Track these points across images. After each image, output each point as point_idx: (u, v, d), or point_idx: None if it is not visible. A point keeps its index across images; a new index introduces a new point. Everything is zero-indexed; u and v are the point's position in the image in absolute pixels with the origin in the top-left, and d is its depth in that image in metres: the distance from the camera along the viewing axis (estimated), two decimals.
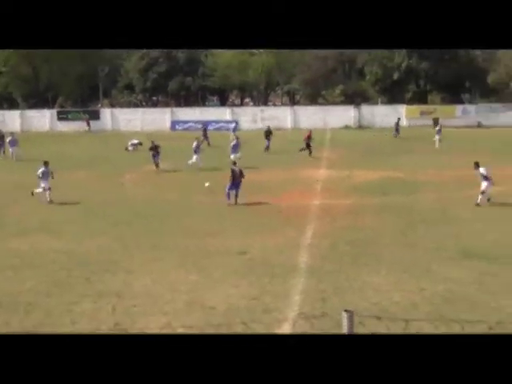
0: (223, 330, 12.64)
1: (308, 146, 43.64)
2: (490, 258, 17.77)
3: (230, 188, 26.18)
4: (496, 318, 12.89)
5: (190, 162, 37.23)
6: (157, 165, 36.57)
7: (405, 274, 16.62)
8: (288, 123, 66.76)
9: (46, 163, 27.58)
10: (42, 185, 27.25)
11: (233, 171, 26.40)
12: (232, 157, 36.41)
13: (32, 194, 27.48)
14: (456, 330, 12.19)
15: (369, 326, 7.39)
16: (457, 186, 29.89)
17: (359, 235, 20.83)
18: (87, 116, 68.80)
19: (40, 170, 27.35)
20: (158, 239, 20.76)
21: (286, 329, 12.96)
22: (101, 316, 13.97)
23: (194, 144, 38.07)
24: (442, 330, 12.22)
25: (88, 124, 66.77)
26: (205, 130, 53.43)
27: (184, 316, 13.88)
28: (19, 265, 17.99)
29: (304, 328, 12.52)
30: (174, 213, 25.17)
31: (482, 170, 24.87)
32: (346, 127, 64.88)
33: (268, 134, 46.90)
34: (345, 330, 4.52)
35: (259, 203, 26.44)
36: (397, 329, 11.34)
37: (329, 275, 16.55)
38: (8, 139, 43.66)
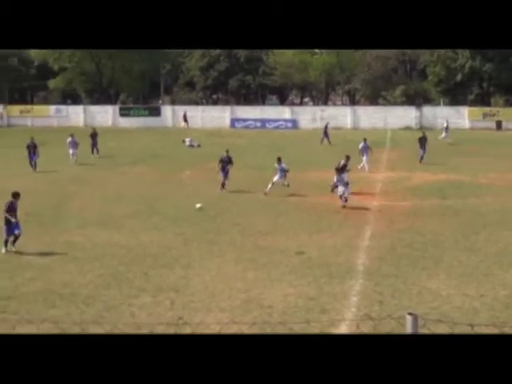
0: (280, 330, 12.63)
1: None
2: None
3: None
4: None
5: (359, 166, 35.69)
6: (223, 185, 29.34)
7: (465, 278, 16.34)
8: (348, 123, 66.33)
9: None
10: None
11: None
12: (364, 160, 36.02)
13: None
14: None
15: (434, 331, 7.22)
16: None
17: (418, 238, 20.55)
18: (185, 112, 67.13)
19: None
20: (216, 236, 20.86)
21: (343, 329, 12.91)
22: (159, 310, 14.13)
23: (361, 145, 36.94)
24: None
25: (185, 120, 65.77)
26: (325, 128, 52.22)
27: (241, 314, 13.92)
28: (80, 258, 18.32)
29: (367, 329, 12.43)
30: (233, 210, 25.27)
31: None
32: (407, 128, 64.10)
33: (423, 140, 39.87)
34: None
35: (318, 202, 26.34)
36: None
37: (386, 278, 16.39)
38: (68, 140, 39.80)
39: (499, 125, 63.58)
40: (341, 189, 25.60)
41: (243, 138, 55.54)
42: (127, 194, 28.99)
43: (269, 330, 12.58)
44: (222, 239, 20.46)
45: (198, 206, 24.14)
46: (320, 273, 16.82)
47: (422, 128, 62.68)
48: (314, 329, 12.63)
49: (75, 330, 12.66)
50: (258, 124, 67.70)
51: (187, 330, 12.64)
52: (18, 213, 18.82)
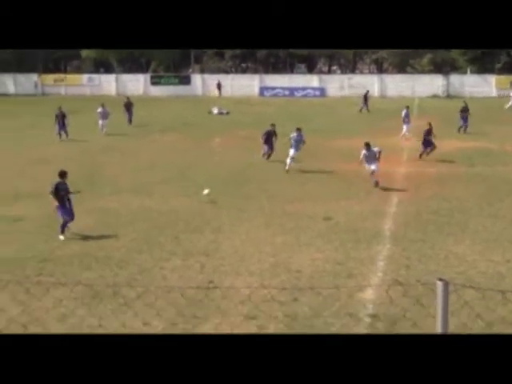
0: (308, 294, 12.67)
1: None
2: None
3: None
4: None
5: (401, 133, 35.38)
6: (269, 155, 28.79)
7: (490, 244, 16.22)
8: (375, 91, 65.61)
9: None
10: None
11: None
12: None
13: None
14: None
15: (464, 297, 7.18)
16: None
17: (444, 204, 20.41)
18: (219, 81, 66.22)
19: (291, 135, 26.65)
20: (245, 202, 20.90)
21: (370, 293, 12.89)
22: (190, 273, 14.23)
23: (404, 112, 35.92)
24: None
25: (219, 89, 65.22)
26: (365, 96, 51.94)
27: (270, 277, 13.97)
28: (114, 223, 18.48)
29: (397, 294, 12.45)
30: (261, 177, 25.25)
31: None
32: (434, 96, 63.32)
33: (465, 110, 38.48)
34: (439, 300, 4.37)
35: (345, 170, 26.17)
36: (492, 300, 11.07)
37: (413, 243, 16.32)
38: (98, 110, 38.71)
39: None
40: (369, 166, 23.06)
41: (272, 106, 55.28)
42: (158, 161, 29.09)
43: (298, 295, 12.63)
44: (251, 205, 20.49)
45: (206, 192, 21.12)
46: (347, 238, 16.79)
47: (449, 96, 61.96)
48: (343, 294, 12.65)
49: (108, 292, 12.84)
50: (287, 92, 67.29)
51: (217, 293, 12.76)
52: (57, 174, 18.05)
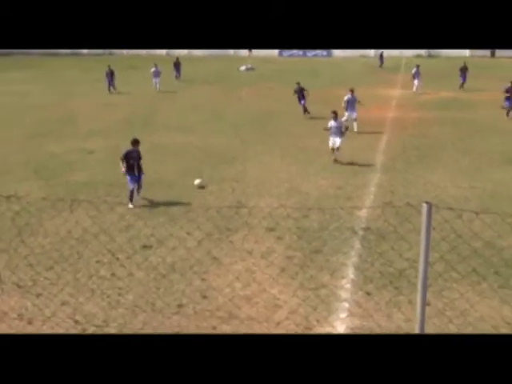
0: (315, 212, 12.53)
1: None
2: None
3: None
4: None
5: (413, 88, 33.05)
6: (305, 109, 25.45)
7: (459, 173, 15.92)
8: (371, 51, 63.69)
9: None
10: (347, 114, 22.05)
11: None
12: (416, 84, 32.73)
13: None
14: (499, 218, 11.64)
15: (444, 216, 6.97)
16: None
17: (424, 142, 20.00)
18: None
19: (346, 98, 22.21)
20: (267, 138, 20.64)
21: (364, 212, 12.72)
22: (224, 195, 14.15)
23: (414, 70, 33.37)
24: (488, 220, 11.70)
25: (250, 50, 63.51)
26: (381, 55, 49.43)
27: (286, 198, 13.87)
28: (164, 153, 18.39)
29: (387, 213, 12.29)
30: (279, 119, 24.83)
31: None
32: (418, 56, 61.40)
33: (464, 69, 35.34)
34: (424, 218, 4.17)
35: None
36: (462, 219, 10.86)
37: (398, 172, 16.06)
38: (152, 70, 35.48)
39: (493, 53, 60.45)
40: (333, 139, 17.35)
41: (288, 64, 54.12)
42: (199, 107, 28.69)
43: (308, 213, 12.50)
44: (272, 141, 20.23)
45: (197, 181, 14.91)
46: (346, 168, 16.53)
47: (430, 56, 60.26)
48: (344, 212, 12.49)
49: (160, 208, 12.81)
50: (300, 53, 65.61)
51: (245, 211, 12.69)
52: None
